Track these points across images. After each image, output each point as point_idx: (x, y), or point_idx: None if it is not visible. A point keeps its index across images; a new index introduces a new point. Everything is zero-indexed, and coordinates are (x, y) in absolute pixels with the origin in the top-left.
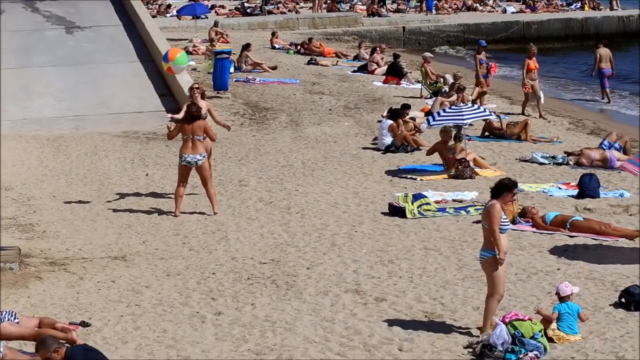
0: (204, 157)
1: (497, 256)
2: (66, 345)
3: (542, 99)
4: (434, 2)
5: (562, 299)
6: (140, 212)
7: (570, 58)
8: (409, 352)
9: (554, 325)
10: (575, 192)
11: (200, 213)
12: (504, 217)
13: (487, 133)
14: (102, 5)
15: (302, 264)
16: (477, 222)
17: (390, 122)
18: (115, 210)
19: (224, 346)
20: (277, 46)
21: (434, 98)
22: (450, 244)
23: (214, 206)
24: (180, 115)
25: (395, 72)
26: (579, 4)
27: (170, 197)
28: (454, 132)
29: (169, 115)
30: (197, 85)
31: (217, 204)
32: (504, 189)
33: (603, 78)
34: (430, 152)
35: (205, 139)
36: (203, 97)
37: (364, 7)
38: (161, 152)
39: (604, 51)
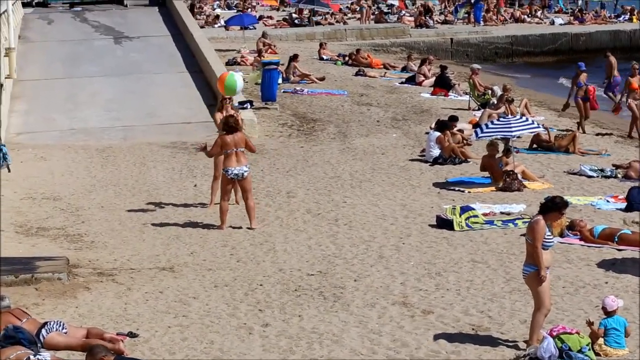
0: (249, 168)
1: (536, 272)
2: (114, 355)
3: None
4: (482, 13)
5: (609, 313)
6: (188, 223)
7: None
8: None
9: (601, 340)
10: (623, 205)
11: (248, 226)
12: (548, 233)
13: (535, 145)
14: (150, 15)
15: (349, 275)
16: (524, 234)
17: (437, 134)
18: (163, 221)
19: (271, 358)
20: (324, 57)
21: (482, 110)
22: (497, 256)
23: (252, 221)
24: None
25: (443, 84)
26: (627, 16)
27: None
28: (501, 146)
29: (200, 147)
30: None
31: (266, 215)
32: (553, 207)
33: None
34: (482, 168)
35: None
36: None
37: (412, 19)
38: (209, 163)
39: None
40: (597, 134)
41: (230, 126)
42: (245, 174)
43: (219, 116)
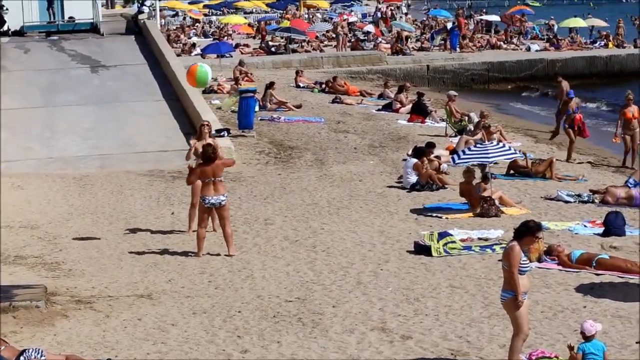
0: (227, 197)
1: (513, 298)
2: None
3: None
4: (458, 40)
5: (587, 338)
6: (166, 251)
7: (597, 93)
8: None
9: None
10: (601, 230)
11: (226, 253)
12: (524, 258)
13: (512, 171)
14: (126, 44)
15: (328, 302)
16: (502, 260)
17: (415, 160)
18: (140, 249)
19: None
20: (301, 85)
21: (459, 136)
22: (476, 282)
23: (230, 247)
24: (193, 158)
25: (419, 111)
26: (603, 42)
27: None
28: (478, 172)
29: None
30: (207, 122)
31: (244, 242)
32: (527, 232)
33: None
34: (461, 194)
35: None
36: (210, 135)
37: (388, 46)
38: (187, 191)
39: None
40: (574, 159)
41: (208, 156)
42: (223, 202)
43: (196, 143)
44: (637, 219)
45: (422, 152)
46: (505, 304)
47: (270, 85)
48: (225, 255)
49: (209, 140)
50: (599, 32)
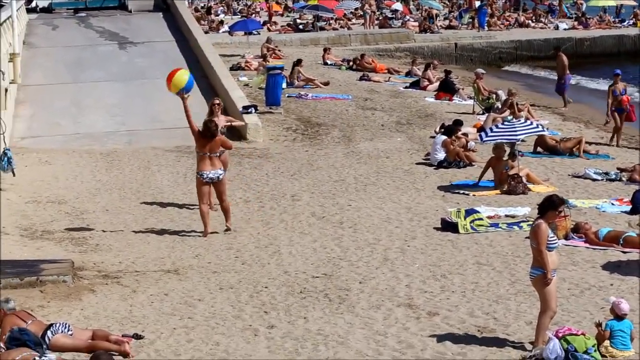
0: (223, 172)
1: (545, 275)
2: None
3: None
4: (486, 18)
5: (619, 317)
6: (193, 226)
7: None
8: None
9: (606, 342)
10: (628, 208)
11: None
12: (552, 235)
13: (539, 148)
14: (154, 21)
15: (354, 278)
16: (529, 237)
17: (444, 137)
18: (167, 224)
19: (276, 359)
20: (329, 62)
21: (487, 114)
22: (502, 259)
23: (228, 220)
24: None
25: (447, 88)
26: (631, 21)
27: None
28: (507, 150)
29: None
30: (218, 101)
31: (271, 218)
32: (550, 206)
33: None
34: (485, 170)
35: (224, 152)
36: (222, 112)
37: (416, 24)
38: None
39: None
40: (602, 138)
41: (211, 132)
42: (220, 177)
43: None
44: None
45: (451, 130)
46: (534, 281)
47: (298, 63)
48: (225, 230)
49: (221, 118)
50: (635, 11)
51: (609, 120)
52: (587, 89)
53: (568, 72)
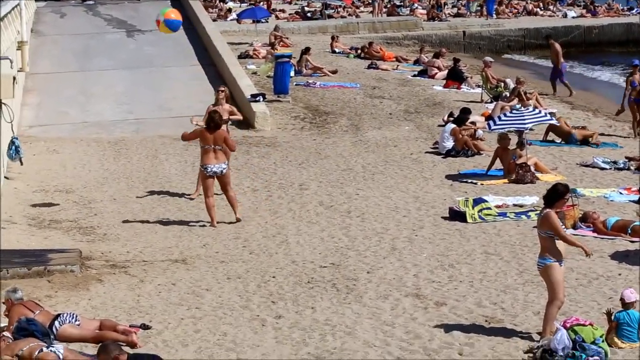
0: (227, 165)
1: (550, 263)
2: (127, 352)
3: None
4: (495, 6)
5: (626, 305)
6: (201, 216)
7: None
8: (469, 356)
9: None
10: (636, 197)
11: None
12: (560, 224)
13: (551, 135)
14: (162, 8)
15: (362, 267)
16: (537, 227)
17: (453, 126)
18: (175, 214)
19: (284, 350)
20: (337, 50)
21: (495, 102)
22: (510, 248)
23: (236, 211)
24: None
25: (455, 77)
26: None
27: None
28: (515, 139)
29: (195, 120)
30: (223, 88)
31: (278, 207)
32: (557, 196)
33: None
34: (493, 160)
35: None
36: (227, 100)
37: (424, 12)
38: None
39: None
40: (610, 127)
41: (215, 123)
42: (224, 170)
43: (210, 109)
44: None
45: (461, 119)
46: (542, 271)
47: (306, 51)
48: (234, 222)
49: (225, 106)
50: None
51: (623, 110)
52: (595, 77)
53: (562, 60)
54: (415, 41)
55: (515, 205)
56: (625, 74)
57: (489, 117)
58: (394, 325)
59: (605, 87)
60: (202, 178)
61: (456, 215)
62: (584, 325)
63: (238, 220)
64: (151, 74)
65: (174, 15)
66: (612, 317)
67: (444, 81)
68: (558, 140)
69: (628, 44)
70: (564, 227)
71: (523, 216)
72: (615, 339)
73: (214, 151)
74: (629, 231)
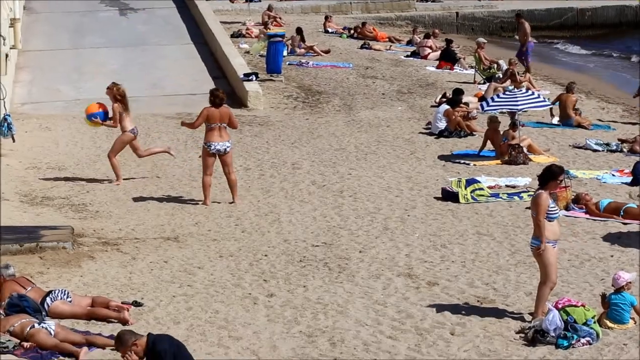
0: (231, 144)
1: (540, 245)
2: (142, 335)
3: None
4: None
5: (618, 289)
6: (193, 194)
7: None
8: (460, 336)
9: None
10: (629, 179)
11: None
12: (552, 205)
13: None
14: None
15: (354, 247)
16: (529, 207)
17: (447, 107)
18: (167, 192)
19: (275, 328)
20: (330, 30)
21: (488, 84)
22: (503, 229)
23: (235, 195)
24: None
25: (448, 58)
26: None
27: (223, 179)
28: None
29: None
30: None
31: (271, 186)
32: (551, 176)
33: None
34: (484, 142)
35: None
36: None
37: None
38: None
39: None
40: (603, 109)
41: (220, 99)
42: (228, 149)
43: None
44: None
45: (455, 101)
46: (536, 251)
47: (299, 32)
48: (230, 203)
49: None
50: None
51: (637, 95)
52: (590, 59)
53: (530, 38)
54: (409, 22)
55: (507, 186)
56: (621, 56)
57: (481, 98)
58: (386, 305)
59: (599, 68)
60: (203, 155)
61: (449, 196)
62: (575, 306)
63: (233, 202)
64: (144, 53)
65: (93, 109)
66: (606, 299)
67: (437, 62)
68: (555, 120)
69: (621, 26)
70: (556, 208)
71: (515, 197)
72: (606, 320)
73: (219, 129)
74: (622, 213)
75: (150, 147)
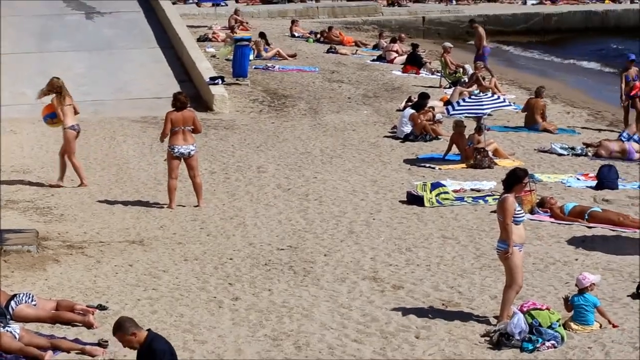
0: (196, 147)
1: (508, 249)
2: (142, 328)
3: None
4: None
5: (581, 290)
6: (158, 197)
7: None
8: (425, 339)
9: (568, 317)
10: (593, 183)
11: (217, 199)
12: (519, 208)
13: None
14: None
15: (319, 250)
16: (495, 211)
17: (412, 111)
18: (133, 195)
19: (240, 331)
20: (296, 34)
21: (453, 88)
22: (468, 232)
23: (200, 199)
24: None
25: (414, 62)
26: None
27: (188, 182)
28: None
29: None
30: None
31: (236, 189)
32: (515, 180)
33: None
34: (449, 146)
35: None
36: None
37: None
38: None
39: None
40: (568, 113)
41: (182, 102)
42: (192, 152)
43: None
44: (629, 173)
45: (420, 105)
46: (501, 255)
47: (262, 36)
48: (195, 206)
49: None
50: None
51: (624, 104)
52: (556, 64)
53: (485, 43)
54: (375, 26)
55: (472, 189)
56: (589, 59)
57: (447, 103)
58: (351, 308)
59: (564, 73)
60: (168, 159)
61: (414, 199)
62: (540, 309)
63: (198, 206)
64: (110, 56)
65: (45, 110)
66: (569, 301)
67: (403, 66)
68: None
69: (587, 31)
70: (522, 212)
71: (480, 201)
72: (571, 323)
73: (183, 132)
74: (586, 217)
75: (79, 166)
